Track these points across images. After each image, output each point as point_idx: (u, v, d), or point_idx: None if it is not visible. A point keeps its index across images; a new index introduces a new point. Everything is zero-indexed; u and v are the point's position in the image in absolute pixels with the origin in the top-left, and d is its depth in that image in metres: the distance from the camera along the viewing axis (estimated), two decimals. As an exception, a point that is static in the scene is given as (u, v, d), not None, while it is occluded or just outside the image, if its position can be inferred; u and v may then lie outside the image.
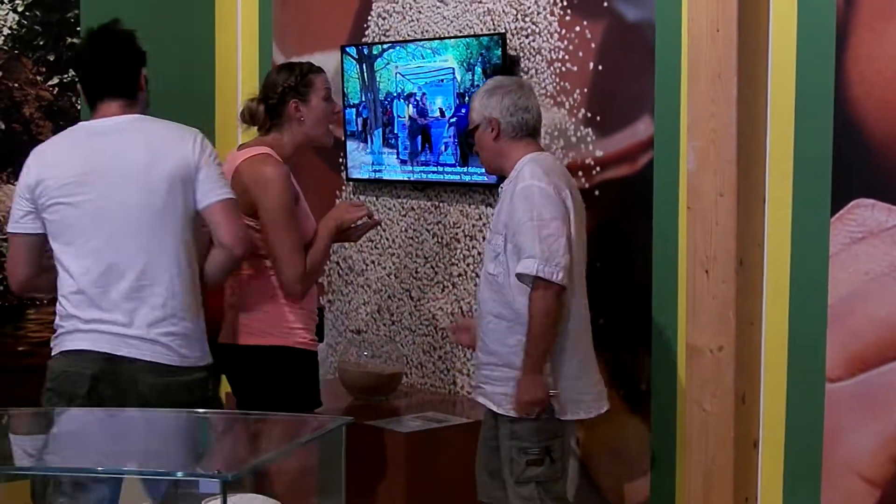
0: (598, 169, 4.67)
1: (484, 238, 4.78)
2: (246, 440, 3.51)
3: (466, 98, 4.86)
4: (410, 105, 5.18)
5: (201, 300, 3.94)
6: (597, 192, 4.67)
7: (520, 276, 4.03)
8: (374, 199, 5.52)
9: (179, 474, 3.04)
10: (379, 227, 5.45)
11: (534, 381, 4.03)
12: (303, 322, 4.24)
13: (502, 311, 4.14)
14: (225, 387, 4.87)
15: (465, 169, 5.01)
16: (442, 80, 5.04)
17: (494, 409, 4.19)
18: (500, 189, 4.39)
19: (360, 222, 4.38)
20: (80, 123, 4.11)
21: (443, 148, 5.09)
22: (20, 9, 5.63)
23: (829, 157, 3.99)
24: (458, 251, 5.18)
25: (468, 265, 5.14)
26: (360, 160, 5.46)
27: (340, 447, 3.24)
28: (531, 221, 3.99)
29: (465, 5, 5.09)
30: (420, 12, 5.29)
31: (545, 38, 4.81)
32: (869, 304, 3.93)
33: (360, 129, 5.42)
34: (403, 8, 5.36)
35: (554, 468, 4.15)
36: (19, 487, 4.24)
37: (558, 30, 4.77)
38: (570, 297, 4.11)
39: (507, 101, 4.16)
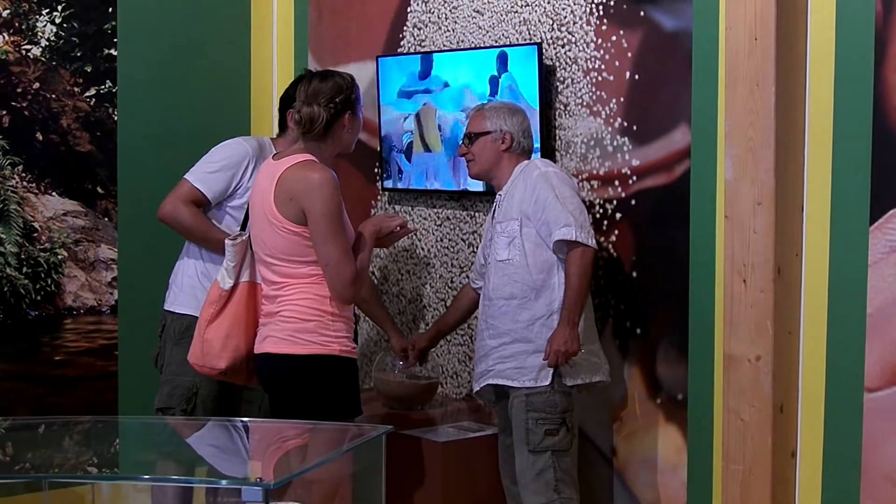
0: (634, 178, 4.67)
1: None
2: (287, 448, 3.53)
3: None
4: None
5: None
6: (633, 202, 4.67)
7: (556, 246, 4.39)
8: (410, 208, 5.53)
9: (223, 483, 3.06)
10: (414, 237, 5.47)
11: (570, 333, 4.33)
12: (345, 330, 4.24)
13: (514, 291, 4.48)
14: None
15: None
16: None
17: (507, 383, 4.48)
18: (498, 195, 4.60)
19: (396, 228, 4.47)
20: None
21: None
22: (58, 20, 5.66)
23: (867, 166, 3.98)
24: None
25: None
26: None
27: (381, 456, 3.26)
28: (556, 198, 4.39)
29: (501, 15, 5.10)
30: (456, 22, 5.30)
31: (581, 48, 4.81)
32: (908, 313, 3.92)
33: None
34: (439, 18, 5.37)
35: (568, 438, 4.44)
36: (63, 496, 4.26)
37: (594, 39, 4.77)
38: None
39: (526, 125, 4.63)
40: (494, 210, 4.62)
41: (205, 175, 4.69)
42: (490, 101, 4.83)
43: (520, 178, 4.50)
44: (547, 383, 4.40)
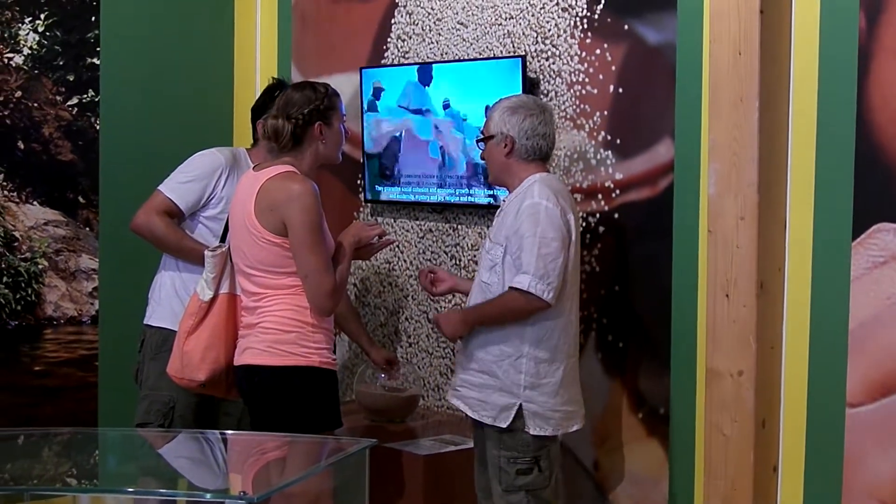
0: (617, 192, 4.67)
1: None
2: (270, 461, 3.52)
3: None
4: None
5: None
6: (616, 216, 4.67)
7: (512, 288, 4.14)
8: (392, 220, 5.52)
9: (208, 496, 3.04)
10: (396, 249, 5.46)
11: (458, 326, 4.26)
12: (325, 341, 4.23)
13: None
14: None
15: (483, 191, 5.01)
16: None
17: (468, 412, 4.31)
18: (502, 201, 4.43)
19: (374, 240, 4.43)
20: None
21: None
22: (41, 28, 5.65)
23: (850, 182, 3.98)
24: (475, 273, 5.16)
25: (486, 287, 5.13)
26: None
27: (364, 469, 3.25)
28: (534, 238, 4.11)
29: (486, 28, 5.10)
30: (440, 34, 5.30)
31: (565, 61, 4.81)
32: (890, 328, 3.92)
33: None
34: (423, 30, 5.37)
35: (542, 476, 4.24)
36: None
37: (579, 52, 4.77)
38: (559, 314, 4.21)
39: (527, 124, 4.25)
40: (494, 221, 4.38)
41: (177, 185, 4.73)
42: (505, 97, 4.41)
43: (520, 198, 4.20)
44: (505, 425, 4.20)
